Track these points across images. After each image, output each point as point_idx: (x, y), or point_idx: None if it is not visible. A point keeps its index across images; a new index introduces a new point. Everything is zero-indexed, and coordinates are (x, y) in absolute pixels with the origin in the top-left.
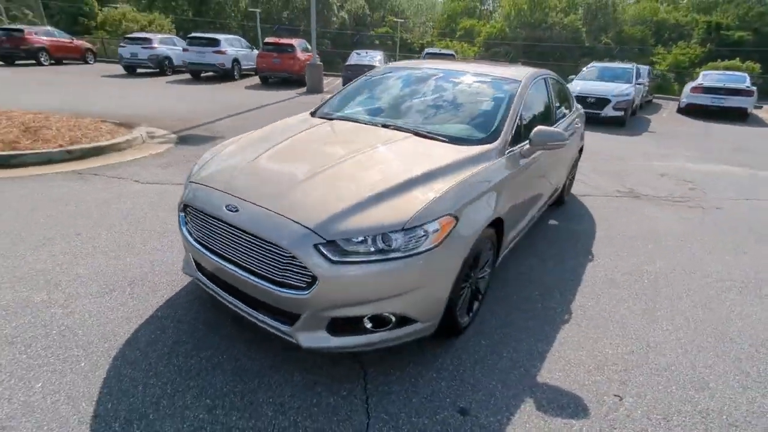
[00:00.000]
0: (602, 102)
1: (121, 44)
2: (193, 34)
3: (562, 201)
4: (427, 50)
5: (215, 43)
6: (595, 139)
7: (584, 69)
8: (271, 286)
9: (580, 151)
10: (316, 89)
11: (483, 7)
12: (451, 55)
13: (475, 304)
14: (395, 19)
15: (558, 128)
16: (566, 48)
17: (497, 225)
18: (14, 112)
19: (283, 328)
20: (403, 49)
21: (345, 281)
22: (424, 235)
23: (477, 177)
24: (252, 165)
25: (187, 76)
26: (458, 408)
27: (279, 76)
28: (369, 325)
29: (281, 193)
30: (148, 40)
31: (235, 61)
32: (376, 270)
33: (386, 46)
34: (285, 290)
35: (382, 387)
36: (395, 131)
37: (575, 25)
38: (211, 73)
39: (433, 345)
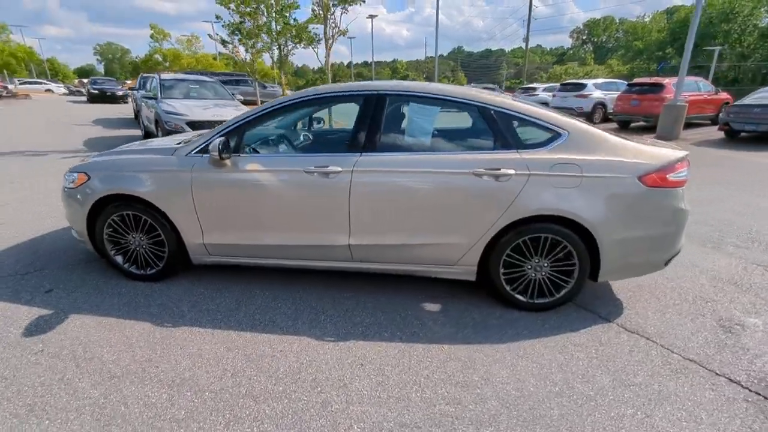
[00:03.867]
0: None
1: (514, 93)
2: (566, 81)
3: (500, 294)
4: None
5: (580, 87)
6: None
7: None
8: None
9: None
10: (669, 135)
11: None
12: None
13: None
14: None
15: (368, 157)
16: None
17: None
18: None
19: None
20: None
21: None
22: (70, 179)
23: (133, 160)
24: None
25: None
26: (47, 288)
27: (637, 120)
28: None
29: None
30: (533, 89)
31: (600, 105)
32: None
33: None
34: None
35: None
36: None
37: None
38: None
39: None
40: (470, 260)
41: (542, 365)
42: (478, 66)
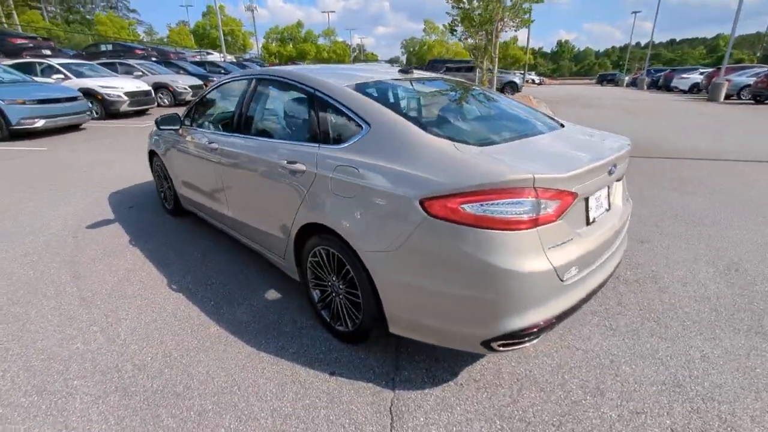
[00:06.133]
0: None
1: None
2: None
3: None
4: None
5: None
6: None
7: None
8: None
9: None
10: None
11: None
12: None
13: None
14: None
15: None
16: None
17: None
18: None
19: None
20: None
21: None
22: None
23: None
24: None
25: None
26: (130, 206)
27: None
28: None
29: None
30: None
31: None
32: None
33: None
34: None
35: None
36: None
37: None
38: None
39: None
40: (291, 258)
41: (229, 377)
42: None
